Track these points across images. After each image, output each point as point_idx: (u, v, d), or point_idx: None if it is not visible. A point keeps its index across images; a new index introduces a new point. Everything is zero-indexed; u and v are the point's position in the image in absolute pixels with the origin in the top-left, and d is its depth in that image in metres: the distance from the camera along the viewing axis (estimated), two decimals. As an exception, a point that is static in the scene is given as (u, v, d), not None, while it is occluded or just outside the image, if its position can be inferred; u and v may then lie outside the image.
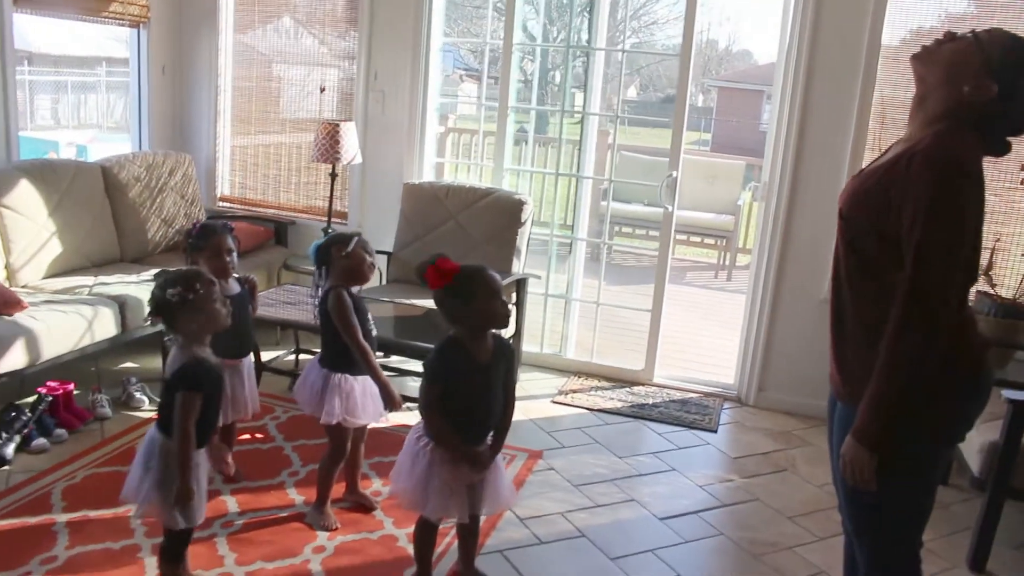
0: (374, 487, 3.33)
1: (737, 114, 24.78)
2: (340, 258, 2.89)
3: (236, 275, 3.18)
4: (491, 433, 2.59)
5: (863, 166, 2.18)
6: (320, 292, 2.96)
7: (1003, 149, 1.96)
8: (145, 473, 2.40)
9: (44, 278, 4.15)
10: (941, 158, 1.83)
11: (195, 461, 2.38)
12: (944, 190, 1.81)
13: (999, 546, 3.14)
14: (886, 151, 2.09)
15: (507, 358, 2.56)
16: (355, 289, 2.97)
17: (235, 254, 3.11)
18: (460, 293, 2.42)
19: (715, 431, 4.20)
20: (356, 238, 2.93)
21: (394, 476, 2.63)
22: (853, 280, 2.01)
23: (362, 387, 2.96)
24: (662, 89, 28.38)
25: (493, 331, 2.52)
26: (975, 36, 1.91)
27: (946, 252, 1.81)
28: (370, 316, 3.00)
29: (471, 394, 2.48)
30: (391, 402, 2.89)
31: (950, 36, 1.95)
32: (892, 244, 1.88)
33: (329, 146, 4.57)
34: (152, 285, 2.43)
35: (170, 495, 2.35)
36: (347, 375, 2.96)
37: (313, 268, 2.99)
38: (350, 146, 4.64)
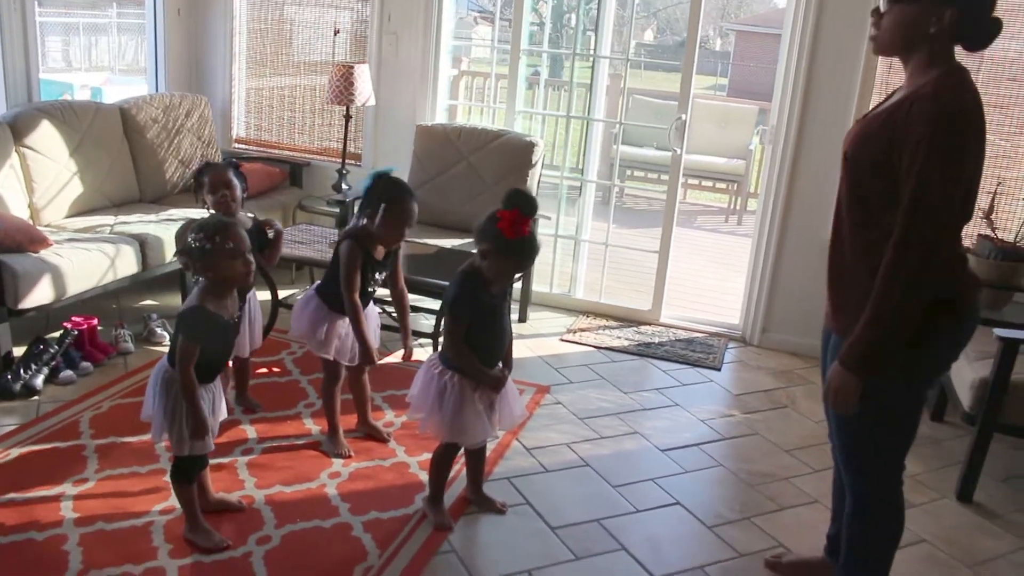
0: (386, 418, 3.47)
1: (755, 58, 24.47)
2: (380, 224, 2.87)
3: (256, 217, 3.26)
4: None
5: (869, 109, 2.25)
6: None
7: (986, 43, 2.02)
8: (155, 399, 2.50)
9: (66, 217, 4.27)
10: (943, 102, 1.90)
11: (201, 395, 2.46)
12: (944, 133, 1.88)
13: (987, 478, 3.27)
14: (890, 95, 2.16)
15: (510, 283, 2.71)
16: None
17: (238, 190, 3.13)
18: (524, 250, 2.52)
19: (719, 369, 4.32)
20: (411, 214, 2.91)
21: (418, 410, 2.73)
22: (855, 222, 2.10)
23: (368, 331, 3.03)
24: (679, 32, 28.02)
25: None
26: None
27: (942, 193, 1.89)
28: (379, 276, 3.00)
29: (492, 322, 2.63)
30: (368, 360, 2.96)
31: (877, 12, 2.05)
32: (893, 184, 1.96)
33: (343, 88, 4.63)
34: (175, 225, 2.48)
35: (175, 424, 2.45)
36: (345, 318, 3.01)
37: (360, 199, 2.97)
38: (364, 88, 4.70)
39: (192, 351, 2.37)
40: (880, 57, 4.05)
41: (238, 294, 2.53)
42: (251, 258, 2.43)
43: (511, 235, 2.45)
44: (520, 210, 2.45)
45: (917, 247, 1.91)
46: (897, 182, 1.95)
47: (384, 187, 2.89)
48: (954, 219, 1.96)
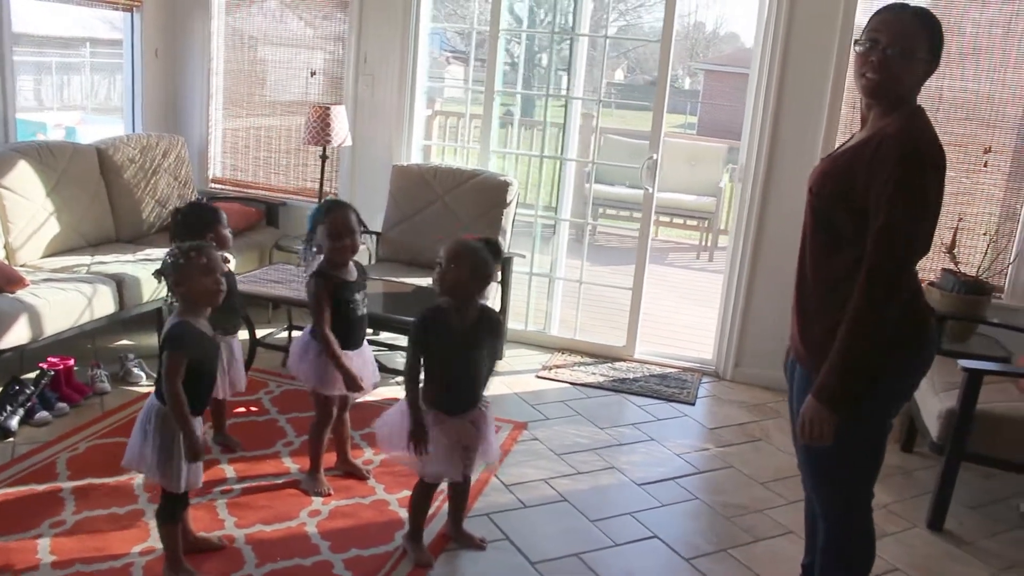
0: (366, 456, 3.48)
1: (724, 97, 24.90)
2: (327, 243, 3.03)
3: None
4: (480, 401, 2.77)
5: (834, 148, 2.35)
6: (309, 270, 3.10)
7: None
8: (144, 439, 2.49)
9: (42, 257, 4.27)
10: (910, 144, 1.99)
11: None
12: (911, 175, 1.97)
13: (957, 506, 3.34)
14: (851, 137, 2.26)
15: (491, 327, 2.74)
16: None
17: (229, 240, 3.22)
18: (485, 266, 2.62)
19: (693, 404, 4.37)
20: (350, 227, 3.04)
21: (386, 443, 2.80)
22: (819, 256, 2.18)
23: (347, 361, 3.09)
24: (649, 72, 28.47)
25: (481, 302, 2.70)
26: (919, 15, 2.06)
27: (908, 233, 1.98)
28: (359, 296, 3.11)
29: (451, 358, 2.67)
30: (353, 387, 3.04)
31: (880, 51, 2.05)
32: (858, 218, 2.04)
33: (320, 129, 4.69)
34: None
35: (170, 459, 2.45)
36: (349, 350, 3.09)
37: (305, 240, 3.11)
38: (340, 129, 4.77)
39: (179, 363, 2.38)
40: (844, 97, 4.20)
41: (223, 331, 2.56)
42: (221, 279, 2.49)
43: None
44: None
45: (885, 282, 1.98)
46: (863, 217, 2.03)
47: (317, 214, 3.06)
48: (921, 253, 2.04)
